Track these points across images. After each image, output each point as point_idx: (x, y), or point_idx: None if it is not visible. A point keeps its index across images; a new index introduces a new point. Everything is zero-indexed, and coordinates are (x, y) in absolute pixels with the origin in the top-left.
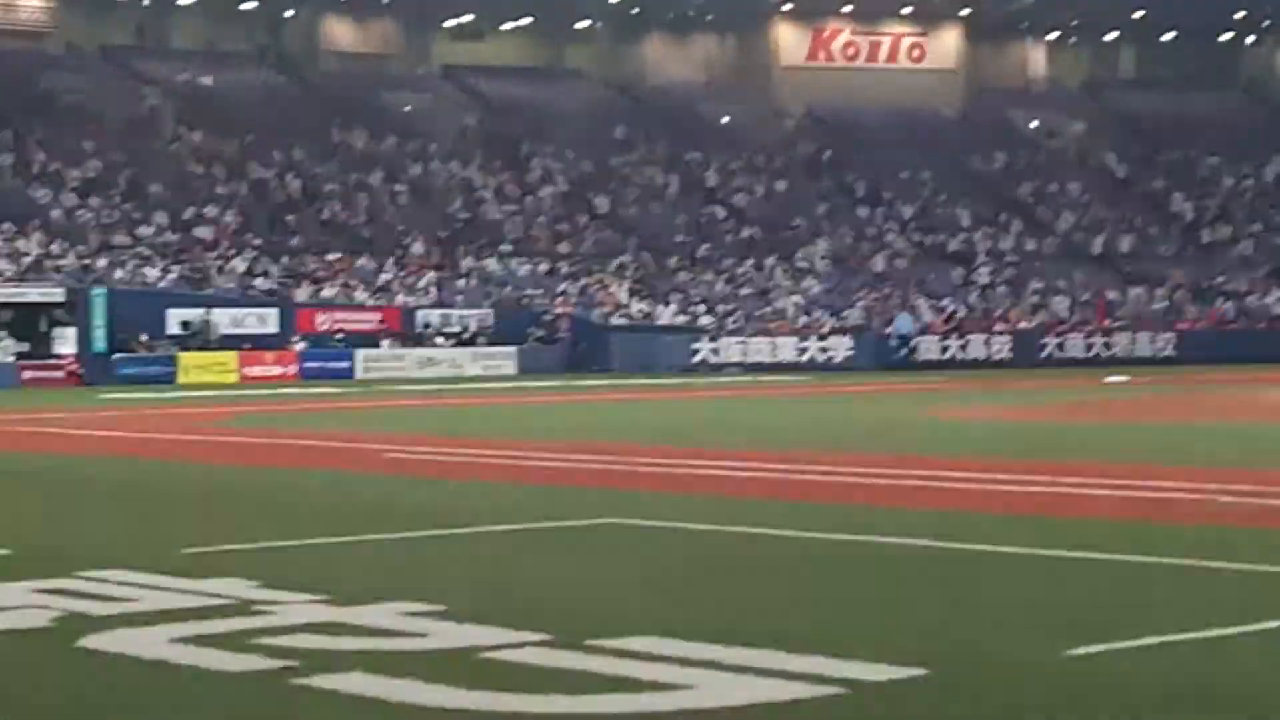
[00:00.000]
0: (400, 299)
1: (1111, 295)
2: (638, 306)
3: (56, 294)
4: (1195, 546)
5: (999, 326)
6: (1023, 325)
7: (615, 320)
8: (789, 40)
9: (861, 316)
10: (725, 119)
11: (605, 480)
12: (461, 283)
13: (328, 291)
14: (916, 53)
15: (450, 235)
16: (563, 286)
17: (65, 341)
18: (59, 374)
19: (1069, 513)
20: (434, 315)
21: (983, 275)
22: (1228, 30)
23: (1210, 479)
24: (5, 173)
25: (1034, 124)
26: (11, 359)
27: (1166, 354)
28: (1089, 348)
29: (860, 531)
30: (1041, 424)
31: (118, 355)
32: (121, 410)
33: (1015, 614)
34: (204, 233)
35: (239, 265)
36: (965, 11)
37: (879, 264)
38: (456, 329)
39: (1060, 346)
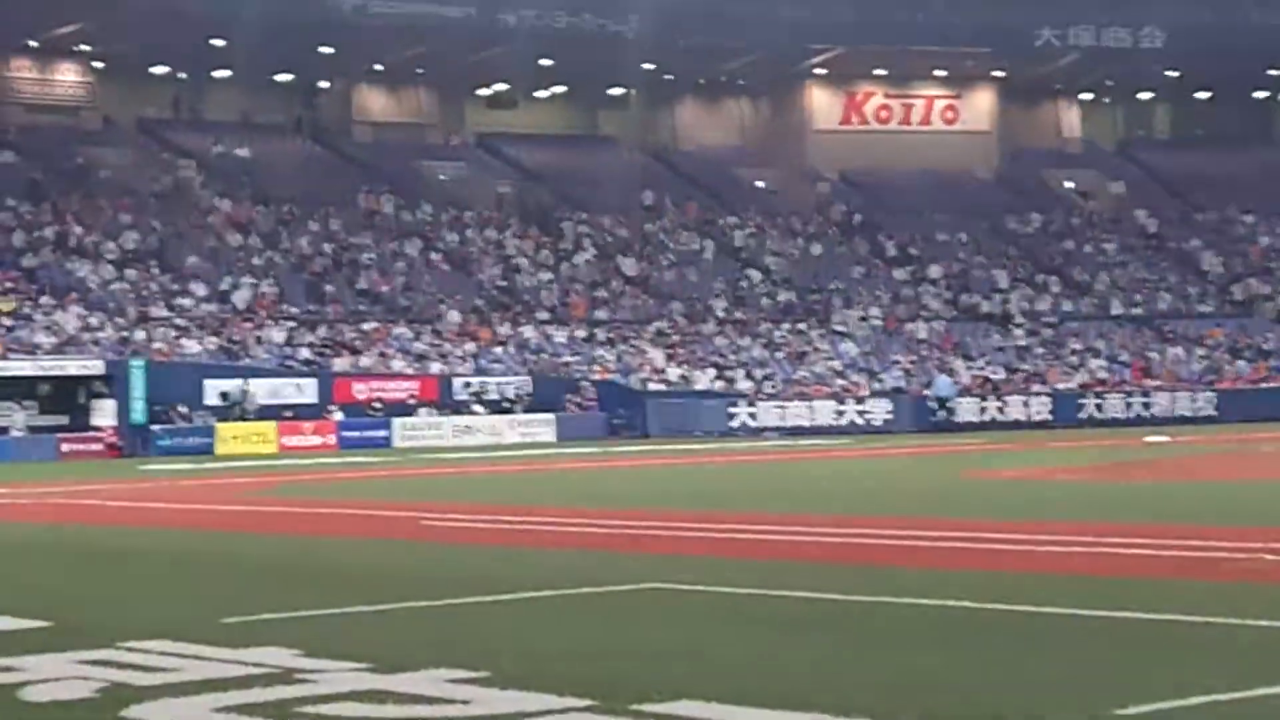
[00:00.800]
0: (437, 367)
1: (1150, 354)
2: (675, 371)
3: (95, 366)
4: (1242, 605)
5: (1037, 387)
6: (1061, 386)
7: (653, 385)
8: (823, 104)
9: (899, 379)
10: (760, 183)
11: (646, 545)
12: (499, 350)
13: (365, 361)
14: (950, 115)
15: (486, 303)
16: (600, 352)
17: (104, 414)
18: (98, 446)
19: (1114, 572)
20: (472, 383)
21: (1020, 336)
22: (1262, 89)
23: (1255, 537)
24: (44, 246)
25: (1069, 184)
26: (22, 431)
27: (1206, 413)
28: (1128, 407)
29: (903, 594)
30: (1083, 484)
31: (156, 427)
32: (160, 481)
33: (1062, 675)
34: (241, 303)
35: (276, 335)
36: (998, 73)
37: (916, 326)
38: (494, 396)
39: (1099, 407)
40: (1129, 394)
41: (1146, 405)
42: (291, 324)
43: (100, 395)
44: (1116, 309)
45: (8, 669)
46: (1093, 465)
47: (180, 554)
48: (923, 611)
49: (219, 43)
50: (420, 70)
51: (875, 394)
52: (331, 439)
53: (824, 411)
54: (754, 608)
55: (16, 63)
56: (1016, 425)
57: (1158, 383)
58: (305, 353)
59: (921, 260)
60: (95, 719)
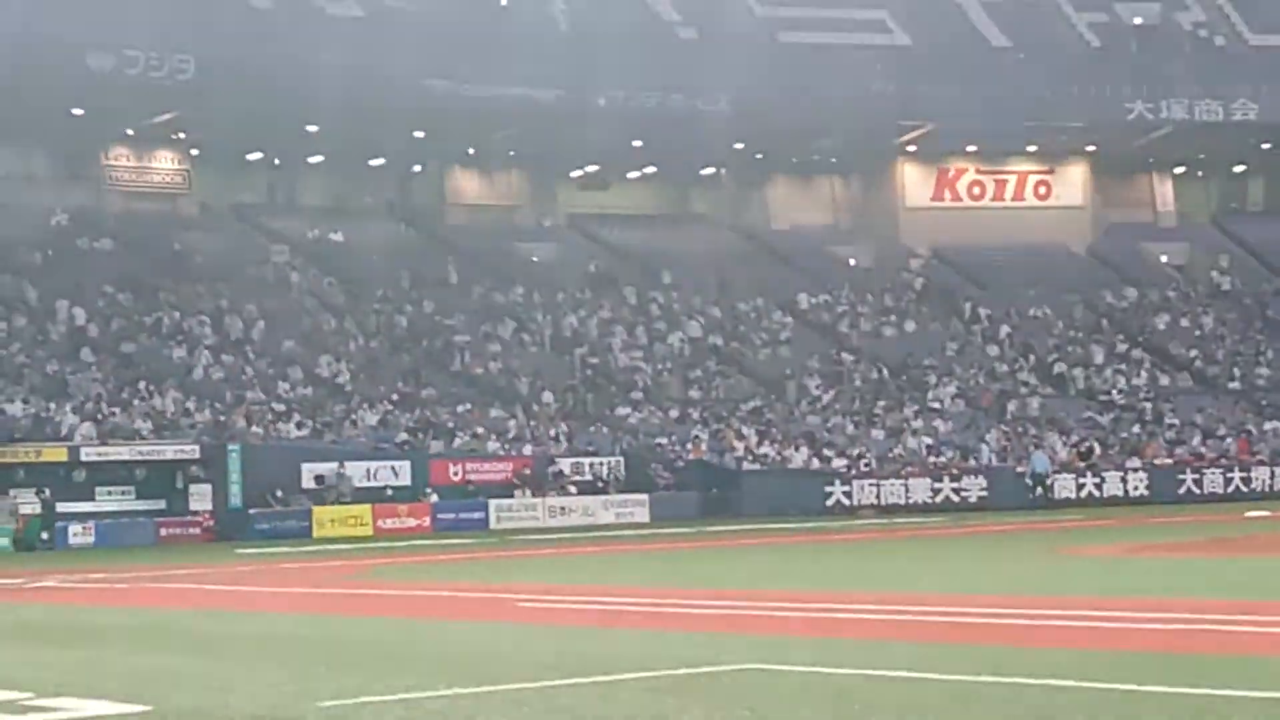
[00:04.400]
0: (531, 448)
1: (1249, 428)
2: (769, 450)
3: (192, 450)
4: None
5: (1135, 463)
6: (1159, 461)
7: (747, 465)
8: (914, 181)
9: (995, 455)
10: (852, 261)
11: (743, 626)
12: (592, 430)
13: (459, 442)
14: (1043, 190)
15: (580, 383)
16: (694, 432)
17: (201, 498)
18: (195, 530)
19: (1215, 650)
20: (565, 464)
21: (1117, 412)
22: None
23: None
24: (140, 332)
25: (1164, 258)
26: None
27: None
28: (1228, 482)
29: (1003, 673)
30: (1184, 561)
31: (253, 510)
32: (258, 565)
33: None
34: (337, 387)
35: (371, 418)
36: (1091, 148)
37: (1011, 403)
38: (588, 477)
39: (1198, 482)
40: (1228, 469)
41: (1246, 480)
42: (386, 407)
43: (197, 479)
44: (1214, 383)
45: None
46: (1193, 541)
47: (278, 637)
48: (1024, 690)
49: (313, 129)
50: (512, 153)
51: (970, 471)
52: (427, 521)
53: (919, 489)
54: (853, 689)
55: (115, 151)
56: (1114, 501)
57: (1259, 457)
58: (400, 435)
59: (1016, 337)
60: None
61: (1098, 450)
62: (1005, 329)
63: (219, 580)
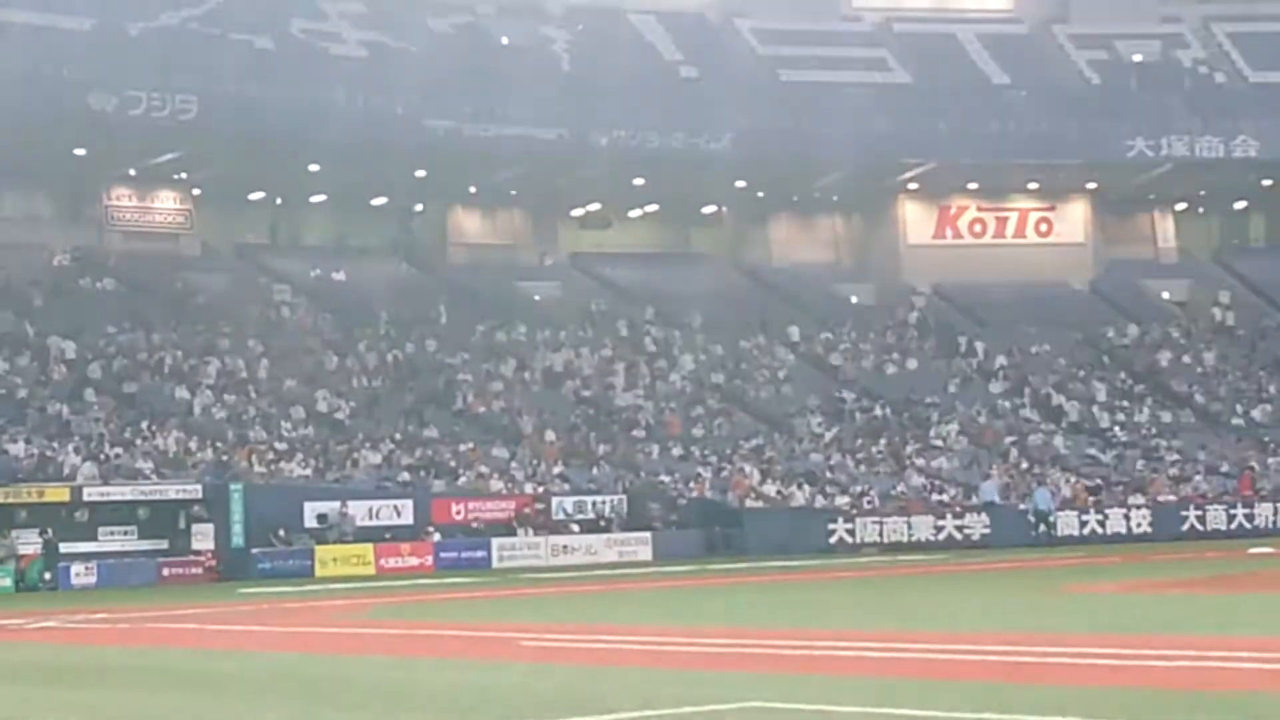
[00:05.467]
0: (533, 487)
1: (1251, 464)
2: (772, 488)
3: (194, 490)
4: None
5: (1138, 500)
6: (1163, 498)
7: (750, 503)
8: (915, 218)
9: (997, 493)
10: (854, 298)
11: (745, 664)
12: (595, 469)
13: (462, 481)
14: (1044, 227)
15: (581, 422)
16: (697, 470)
17: (203, 537)
18: (197, 570)
19: (1219, 686)
20: (568, 502)
21: (1120, 449)
22: None
23: None
24: (143, 371)
25: (1165, 295)
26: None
27: None
28: (1231, 519)
29: (1007, 710)
30: (1187, 597)
31: (255, 550)
32: (260, 605)
33: None
34: (339, 426)
35: (373, 457)
36: (1092, 185)
37: (1013, 440)
38: (590, 515)
39: (1201, 519)
40: (1231, 505)
41: (1250, 517)
42: (389, 446)
43: (199, 519)
44: (1216, 419)
45: None
46: (1196, 578)
47: (281, 677)
48: None
49: (315, 168)
50: (514, 192)
51: (973, 508)
52: (429, 560)
53: (922, 526)
54: None
55: (117, 191)
56: (1117, 538)
57: (1262, 494)
58: (403, 474)
59: (1018, 374)
60: None
61: (1100, 486)
62: (1006, 365)
63: (221, 620)
